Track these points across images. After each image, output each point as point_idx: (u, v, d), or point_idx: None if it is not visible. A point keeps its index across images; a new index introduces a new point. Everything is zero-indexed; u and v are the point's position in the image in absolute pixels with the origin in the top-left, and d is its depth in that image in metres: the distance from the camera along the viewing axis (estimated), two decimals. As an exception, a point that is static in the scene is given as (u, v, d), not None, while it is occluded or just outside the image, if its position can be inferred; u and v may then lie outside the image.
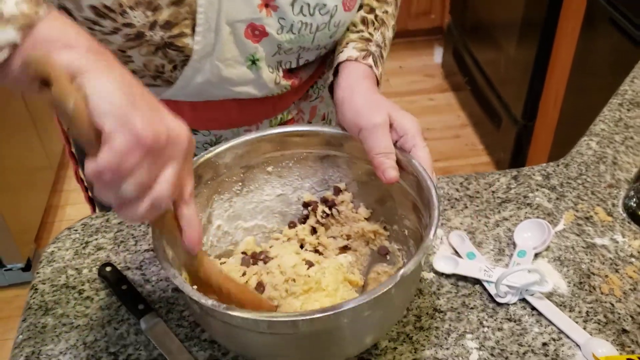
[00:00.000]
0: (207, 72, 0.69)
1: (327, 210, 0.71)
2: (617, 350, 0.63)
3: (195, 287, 0.54)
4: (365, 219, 0.72)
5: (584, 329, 0.66)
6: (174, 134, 0.47)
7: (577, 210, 0.80)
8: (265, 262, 0.68)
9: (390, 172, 0.62)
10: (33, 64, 0.44)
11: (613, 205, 0.80)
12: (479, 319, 0.68)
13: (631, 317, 0.67)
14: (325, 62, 0.82)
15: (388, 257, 0.70)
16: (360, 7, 0.77)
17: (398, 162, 0.63)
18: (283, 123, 0.83)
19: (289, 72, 0.76)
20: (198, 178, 0.66)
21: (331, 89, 0.73)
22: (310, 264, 0.66)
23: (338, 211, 0.72)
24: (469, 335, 0.66)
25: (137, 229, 0.81)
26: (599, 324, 0.66)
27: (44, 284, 0.75)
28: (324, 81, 0.83)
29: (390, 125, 0.64)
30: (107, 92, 0.44)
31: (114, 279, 0.74)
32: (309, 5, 0.68)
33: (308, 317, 0.50)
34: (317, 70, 0.81)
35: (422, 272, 0.73)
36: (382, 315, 0.57)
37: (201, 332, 0.68)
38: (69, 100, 0.43)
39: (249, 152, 0.69)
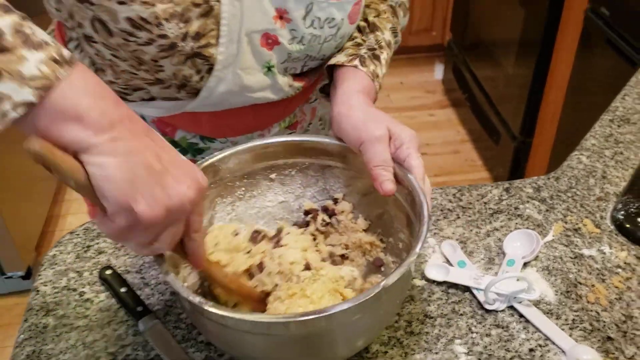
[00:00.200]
0: (230, 82, 0.73)
1: (327, 219, 0.74)
2: (602, 357, 0.65)
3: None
4: (364, 230, 0.74)
5: (570, 336, 0.67)
6: (176, 203, 0.50)
7: (566, 222, 0.82)
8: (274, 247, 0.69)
9: (388, 184, 0.64)
10: (35, 155, 0.47)
11: (601, 217, 0.82)
12: (468, 325, 0.69)
13: (616, 325, 0.69)
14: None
15: (382, 269, 0.72)
16: None
17: (395, 175, 0.65)
18: (290, 126, 0.86)
19: (298, 75, 0.80)
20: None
21: (322, 89, 0.76)
22: (307, 267, 0.68)
23: (337, 220, 0.74)
24: (457, 341, 0.68)
25: (137, 234, 0.83)
26: (584, 331, 0.68)
27: (46, 285, 0.77)
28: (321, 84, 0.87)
29: (389, 138, 0.67)
30: (107, 176, 0.47)
31: (113, 282, 0.76)
32: (319, 19, 0.72)
33: (287, 320, 0.53)
34: (320, 73, 0.83)
35: (414, 280, 0.75)
36: (370, 321, 0.58)
37: (198, 334, 0.70)
38: (69, 181, 0.48)
39: (253, 159, 0.72)
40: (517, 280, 0.71)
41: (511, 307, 0.71)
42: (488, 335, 0.68)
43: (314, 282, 0.64)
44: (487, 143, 2.50)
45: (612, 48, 1.62)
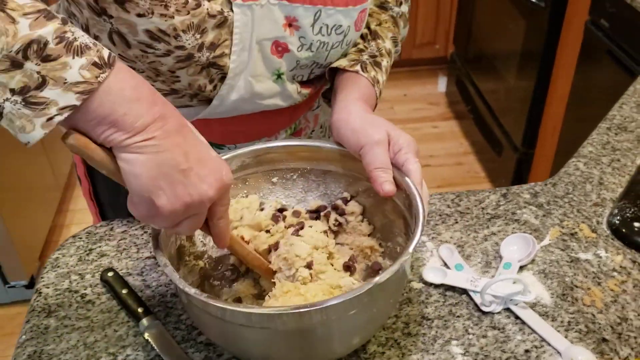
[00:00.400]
0: (241, 89, 0.75)
1: (339, 218, 0.74)
2: (597, 357, 0.65)
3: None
4: (368, 234, 0.75)
5: (566, 337, 0.68)
6: (195, 200, 0.54)
7: (562, 227, 0.83)
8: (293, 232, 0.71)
9: (387, 185, 0.65)
10: (71, 147, 0.54)
11: (598, 222, 0.83)
12: (464, 327, 0.70)
13: (611, 327, 0.69)
14: None
15: (380, 273, 0.73)
16: None
17: (393, 179, 0.66)
18: (295, 132, 0.88)
19: (304, 83, 0.81)
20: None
21: (324, 94, 0.78)
22: (309, 266, 0.68)
23: (347, 221, 0.75)
24: (454, 342, 0.69)
25: (139, 238, 0.84)
26: (580, 333, 0.69)
27: (48, 288, 0.78)
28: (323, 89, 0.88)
29: (388, 143, 0.68)
30: (134, 172, 0.53)
31: (115, 284, 0.77)
32: (327, 26, 0.74)
33: (280, 312, 0.55)
34: (324, 80, 0.85)
35: (412, 282, 0.76)
36: (364, 318, 0.59)
37: (198, 335, 0.71)
38: (102, 170, 0.55)
39: (255, 162, 0.73)
40: (514, 282, 0.72)
41: (507, 310, 0.72)
42: (484, 336, 0.69)
43: (310, 282, 0.65)
44: (490, 155, 2.51)
45: (612, 59, 1.64)
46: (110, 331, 0.72)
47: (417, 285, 0.76)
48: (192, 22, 0.67)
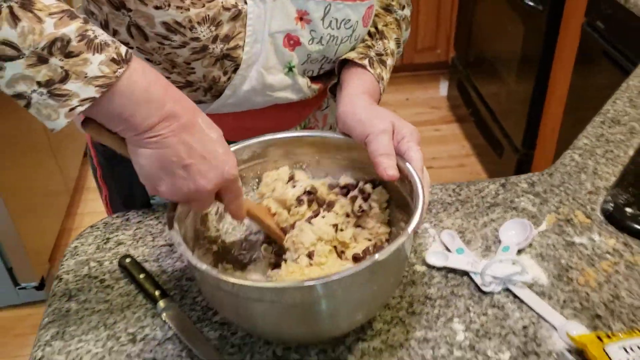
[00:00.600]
0: (253, 80, 0.78)
1: (363, 205, 0.75)
2: (590, 332, 0.69)
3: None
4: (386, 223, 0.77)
5: (561, 314, 0.72)
6: (193, 192, 0.62)
7: (558, 214, 0.86)
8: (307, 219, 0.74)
9: (390, 170, 0.68)
10: (90, 133, 0.62)
11: (592, 209, 0.87)
12: (465, 306, 0.74)
13: (604, 304, 0.73)
14: None
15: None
16: None
17: (397, 166, 0.70)
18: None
19: (314, 79, 0.85)
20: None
21: (331, 89, 0.82)
22: (309, 256, 0.72)
23: (370, 207, 0.76)
24: (456, 319, 0.72)
25: (154, 227, 0.88)
26: (574, 310, 0.72)
27: (68, 274, 0.82)
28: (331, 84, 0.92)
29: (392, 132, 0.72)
30: (140, 163, 0.61)
31: (132, 269, 0.81)
32: (336, 19, 0.78)
33: (285, 286, 0.59)
34: (332, 80, 0.89)
35: (415, 265, 0.80)
36: (366, 293, 0.62)
37: (212, 315, 0.75)
38: (118, 152, 0.64)
39: (265, 152, 0.77)
40: (513, 264, 0.75)
41: (506, 290, 0.76)
42: (485, 314, 0.73)
43: (311, 266, 0.69)
44: (491, 156, 2.55)
45: (608, 60, 1.68)
46: (129, 313, 0.76)
47: (420, 268, 0.80)
48: (207, 15, 0.71)
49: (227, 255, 0.77)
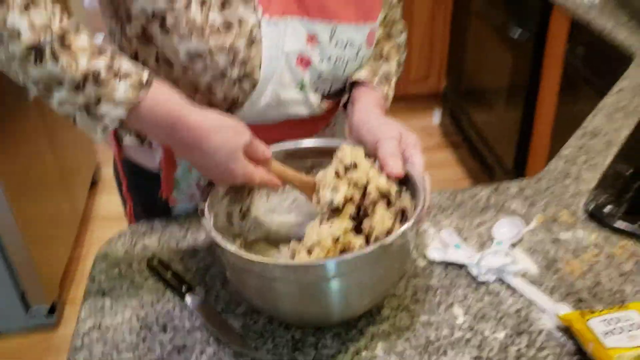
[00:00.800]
0: (268, 96, 0.87)
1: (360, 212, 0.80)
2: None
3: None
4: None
5: (550, 299, 0.80)
6: (230, 176, 0.76)
7: (546, 214, 0.95)
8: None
9: (396, 169, 0.77)
10: None
11: (575, 209, 0.96)
12: (464, 293, 0.82)
13: (587, 289, 0.81)
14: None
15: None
16: None
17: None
18: None
19: (325, 96, 0.94)
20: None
21: (344, 105, 0.92)
22: (309, 251, 0.78)
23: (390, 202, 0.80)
24: (456, 305, 0.80)
25: (177, 233, 0.97)
26: (561, 295, 0.81)
27: (100, 274, 0.90)
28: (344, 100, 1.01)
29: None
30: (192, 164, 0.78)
31: (160, 268, 0.89)
32: (343, 41, 0.87)
33: (301, 264, 0.69)
34: (339, 100, 0.99)
35: (417, 260, 0.88)
36: (373, 276, 0.71)
37: (236, 307, 0.82)
38: None
39: (285, 158, 0.85)
40: (505, 255, 0.84)
41: (500, 280, 0.84)
42: (481, 300, 0.81)
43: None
44: (484, 180, 2.65)
45: (589, 85, 1.79)
46: (159, 307, 0.84)
47: (422, 262, 0.88)
48: (225, 43, 0.81)
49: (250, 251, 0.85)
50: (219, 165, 0.75)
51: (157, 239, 0.96)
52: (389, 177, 0.78)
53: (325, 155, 0.84)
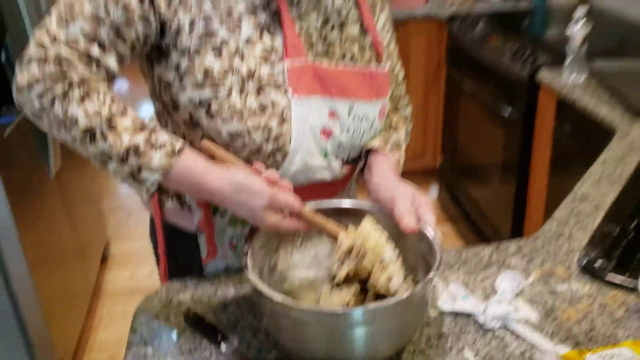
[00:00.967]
0: (298, 163, 0.99)
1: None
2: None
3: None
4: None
5: (550, 342, 0.89)
6: (255, 217, 0.88)
7: (542, 269, 1.06)
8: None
9: (411, 224, 0.89)
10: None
11: (569, 264, 1.06)
12: (473, 339, 0.91)
13: (583, 334, 0.91)
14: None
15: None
16: None
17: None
18: None
19: (345, 162, 1.06)
20: (267, 233, 0.93)
21: (361, 170, 1.04)
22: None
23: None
24: (466, 349, 0.89)
25: (209, 289, 1.06)
26: (560, 339, 0.90)
27: (141, 327, 0.99)
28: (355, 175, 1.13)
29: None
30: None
31: (196, 320, 0.98)
32: (359, 115, 1.01)
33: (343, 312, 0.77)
34: (357, 165, 1.11)
35: (430, 310, 0.97)
36: (397, 323, 0.81)
37: (267, 353, 0.91)
38: None
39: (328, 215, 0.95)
40: (508, 304, 0.94)
41: (504, 327, 0.93)
42: (489, 344, 0.90)
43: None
44: (482, 251, 2.74)
45: (578, 158, 1.93)
46: (197, 354, 0.92)
47: (433, 313, 0.97)
48: (260, 123, 0.94)
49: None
50: (247, 218, 0.89)
51: (190, 295, 1.05)
52: (404, 231, 0.89)
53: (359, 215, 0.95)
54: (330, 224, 0.91)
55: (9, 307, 1.86)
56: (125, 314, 1.40)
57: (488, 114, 2.58)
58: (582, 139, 1.92)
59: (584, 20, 1.90)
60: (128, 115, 0.87)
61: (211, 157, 0.91)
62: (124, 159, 0.86)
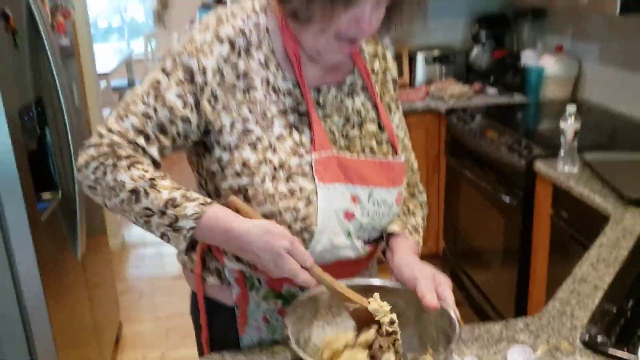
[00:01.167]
0: (324, 242, 1.11)
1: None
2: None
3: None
4: None
5: (560, 409, 0.98)
6: (277, 263, 1.00)
7: (549, 344, 1.16)
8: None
9: (432, 302, 1.00)
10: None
11: (573, 339, 1.17)
12: (489, 407, 1.00)
13: (590, 401, 1.00)
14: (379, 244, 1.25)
15: None
16: None
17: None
18: None
19: (366, 242, 1.19)
20: (303, 308, 1.04)
21: (383, 252, 1.16)
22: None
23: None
24: (483, 416, 0.98)
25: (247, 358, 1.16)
26: (569, 406, 0.99)
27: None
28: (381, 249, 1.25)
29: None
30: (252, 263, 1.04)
31: (235, 390, 1.07)
32: (377, 200, 1.14)
33: None
34: (377, 245, 1.23)
35: (448, 382, 1.07)
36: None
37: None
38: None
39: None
40: (519, 375, 1.04)
41: (517, 396, 1.03)
42: (504, 412, 0.99)
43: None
44: (487, 335, 2.81)
45: (575, 242, 2.06)
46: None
47: (451, 383, 1.07)
48: (290, 205, 1.08)
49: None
50: (269, 262, 1.00)
51: (228, 368, 1.15)
52: (427, 308, 1.00)
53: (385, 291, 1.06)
54: (337, 284, 1.03)
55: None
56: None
57: (488, 201, 2.72)
58: (579, 225, 2.05)
59: (575, 116, 2.08)
60: (167, 179, 1.05)
61: (237, 211, 1.05)
62: (163, 212, 1.00)
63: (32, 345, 1.85)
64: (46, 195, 1.95)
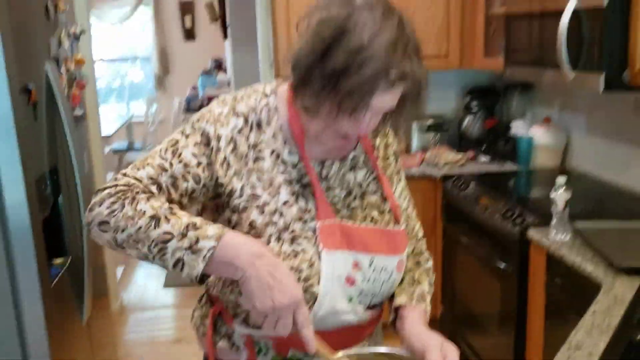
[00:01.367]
0: (326, 307, 1.17)
1: None
2: None
3: None
4: None
5: None
6: (277, 306, 1.03)
7: (548, 410, 1.21)
8: None
9: None
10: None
11: (570, 405, 1.22)
12: None
13: None
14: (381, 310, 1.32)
15: None
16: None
17: None
18: None
19: (368, 308, 1.25)
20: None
21: (393, 322, 1.23)
22: None
23: None
24: None
25: None
26: None
27: None
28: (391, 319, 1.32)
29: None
30: (244, 289, 1.05)
31: None
32: (379, 267, 1.21)
33: None
34: (379, 312, 1.29)
35: None
36: None
37: None
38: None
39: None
40: None
41: None
42: None
43: None
44: (486, 400, 2.82)
45: (572, 311, 2.11)
46: None
47: None
48: (293, 265, 1.15)
49: None
50: (286, 293, 1.02)
51: None
52: None
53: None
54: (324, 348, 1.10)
55: None
56: None
57: (484, 267, 2.79)
58: (573, 292, 2.12)
59: (565, 186, 2.18)
60: (184, 210, 1.12)
61: None
62: (184, 234, 1.04)
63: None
64: (57, 261, 2.01)
